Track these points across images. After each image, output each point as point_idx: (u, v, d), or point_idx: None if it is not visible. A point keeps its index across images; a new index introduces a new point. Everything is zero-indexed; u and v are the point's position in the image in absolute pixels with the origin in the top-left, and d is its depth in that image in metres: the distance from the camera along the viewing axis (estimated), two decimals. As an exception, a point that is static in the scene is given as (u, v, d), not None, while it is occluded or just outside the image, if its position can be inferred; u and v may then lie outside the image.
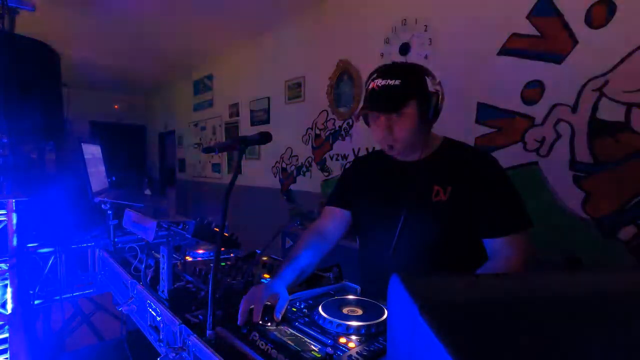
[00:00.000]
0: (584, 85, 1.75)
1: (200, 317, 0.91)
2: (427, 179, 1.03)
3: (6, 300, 1.58)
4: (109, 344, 2.10)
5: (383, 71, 1.00)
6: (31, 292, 1.64)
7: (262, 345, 0.73)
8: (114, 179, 2.47)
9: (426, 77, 0.99)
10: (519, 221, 0.96)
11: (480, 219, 0.97)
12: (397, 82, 0.96)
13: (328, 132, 3.28)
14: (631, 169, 1.62)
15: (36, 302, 1.68)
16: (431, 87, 0.98)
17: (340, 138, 3.16)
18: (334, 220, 1.21)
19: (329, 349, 0.69)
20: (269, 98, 4.07)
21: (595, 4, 1.70)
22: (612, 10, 1.65)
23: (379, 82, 0.98)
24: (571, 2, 1.78)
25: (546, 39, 1.87)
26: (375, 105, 1.00)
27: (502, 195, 0.98)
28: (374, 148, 1.20)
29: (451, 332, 0.28)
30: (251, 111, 4.38)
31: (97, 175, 2.00)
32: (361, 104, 1.06)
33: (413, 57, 2.50)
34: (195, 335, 0.83)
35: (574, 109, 1.79)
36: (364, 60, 2.92)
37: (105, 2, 3.31)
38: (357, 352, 0.69)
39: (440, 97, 0.99)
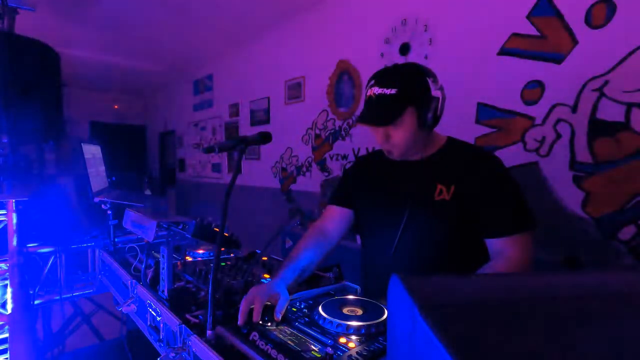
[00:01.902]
0: (584, 85, 1.75)
1: (200, 317, 0.91)
2: (430, 178, 1.03)
3: (6, 300, 1.58)
4: (109, 344, 2.10)
5: (380, 77, 0.98)
6: (31, 292, 1.64)
7: (262, 345, 0.73)
8: (114, 179, 2.47)
9: (428, 80, 0.96)
10: (522, 222, 0.96)
11: (484, 219, 0.97)
12: (394, 91, 0.94)
13: (328, 132, 3.28)
14: (631, 169, 1.62)
15: (36, 302, 1.68)
16: (432, 90, 0.96)
17: (340, 138, 3.16)
18: (335, 219, 1.20)
19: (329, 349, 0.69)
20: (269, 98, 4.07)
21: (595, 4, 1.70)
22: (612, 10, 1.65)
23: (376, 90, 0.97)
24: (571, 2, 1.78)
25: (546, 39, 1.87)
26: (369, 118, 0.99)
27: (505, 196, 0.97)
28: (374, 148, 1.20)
29: (451, 332, 0.28)
30: (251, 111, 4.38)
31: (97, 175, 2.00)
32: (361, 105, 1.06)
33: (413, 57, 2.50)
34: (195, 335, 0.83)
35: (574, 109, 1.79)
36: (364, 60, 2.92)
37: (105, 3, 3.31)
38: (357, 352, 0.69)
39: (440, 102, 0.98)
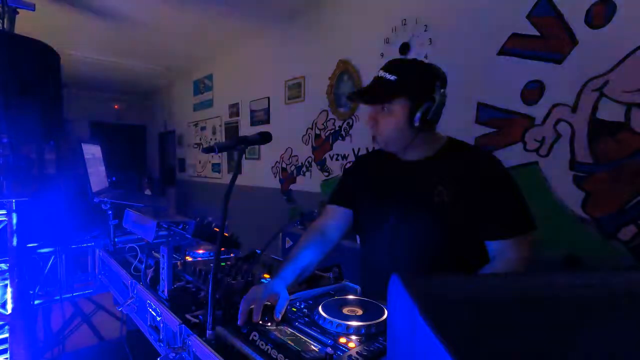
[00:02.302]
0: (584, 85, 1.75)
1: (200, 317, 0.91)
2: (429, 179, 1.02)
3: (6, 300, 1.58)
4: (109, 344, 2.10)
5: (390, 63, 1.02)
6: (31, 292, 1.64)
7: (262, 345, 0.73)
8: (114, 179, 2.46)
9: (435, 82, 0.97)
10: (522, 223, 0.95)
11: (483, 221, 0.96)
12: (393, 77, 0.97)
13: (328, 132, 3.28)
14: (631, 169, 1.62)
15: (36, 302, 1.68)
16: (434, 93, 0.96)
17: (340, 138, 3.16)
18: (335, 219, 1.20)
19: (329, 349, 0.69)
20: (269, 98, 4.07)
21: (595, 4, 1.70)
22: (612, 10, 1.65)
23: (380, 73, 1.00)
24: (571, 2, 1.78)
25: (546, 39, 1.87)
26: (360, 93, 1.05)
27: (505, 197, 0.97)
28: (373, 148, 1.20)
29: (451, 332, 0.28)
30: (251, 111, 4.38)
31: (97, 175, 2.00)
32: (361, 105, 1.07)
33: (413, 57, 2.50)
34: (195, 335, 0.83)
35: (574, 109, 1.79)
36: (364, 60, 2.92)
37: (106, 3, 3.31)
38: (357, 352, 0.69)
39: (435, 106, 0.97)
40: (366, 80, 2.87)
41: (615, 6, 1.64)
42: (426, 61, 1.12)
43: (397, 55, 2.60)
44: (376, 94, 1.00)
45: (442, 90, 0.98)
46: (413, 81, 0.97)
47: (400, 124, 0.99)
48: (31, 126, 1.83)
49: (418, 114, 0.96)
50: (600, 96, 1.70)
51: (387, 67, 1.00)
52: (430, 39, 2.41)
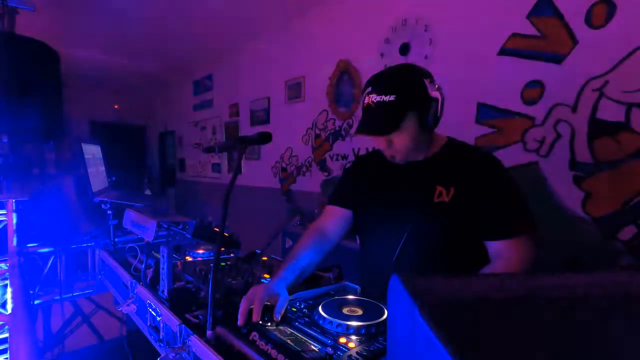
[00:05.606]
0: (584, 85, 1.75)
1: (200, 317, 0.91)
2: (429, 179, 1.02)
3: (6, 300, 1.58)
4: (109, 344, 2.10)
5: (377, 84, 0.96)
6: (31, 292, 1.64)
7: (262, 345, 0.73)
8: (114, 179, 2.46)
9: (425, 81, 0.95)
10: (522, 224, 0.95)
11: (483, 221, 0.96)
12: (392, 97, 0.92)
13: (328, 132, 3.28)
14: (631, 169, 1.62)
15: (36, 302, 1.68)
16: (430, 91, 0.95)
17: (340, 138, 3.16)
18: (334, 219, 1.20)
19: (329, 349, 0.69)
20: (269, 98, 4.07)
21: (595, 4, 1.70)
22: (612, 10, 1.65)
23: (374, 97, 0.94)
24: (571, 2, 1.78)
25: (546, 39, 1.87)
26: (371, 128, 0.97)
27: (505, 198, 0.97)
28: (373, 148, 1.20)
29: (451, 332, 0.28)
30: (251, 111, 4.38)
31: (97, 175, 2.00)
32: (360, 109, 1.05)
33: (413, 57, 2.51)
34: (195, 335, 0.83)
35: (574, 109, 1.79)
36: (364, 60, 2.92)
37: (106, 2, 3.31)
38: (357, 352, 0.69)
39: (440, 102, 0.96)
40: (366, 80, 2.87)
41: (615, 6, 1.64)
42: (395, 64, 1.10)
43: (398, 55, 2.60)
44: (386, 122, 0.95)
45: (437, 85, 0.97)
46: (411, 91, 0.94)
47: (414, 136, 0.98)
48: (31, 126, 1.83)
49: (430, 117, 0.95)
50: (600, 96, 1.70)
51: (379, 89, 0.94)
52: (430, 39, 2.41)
